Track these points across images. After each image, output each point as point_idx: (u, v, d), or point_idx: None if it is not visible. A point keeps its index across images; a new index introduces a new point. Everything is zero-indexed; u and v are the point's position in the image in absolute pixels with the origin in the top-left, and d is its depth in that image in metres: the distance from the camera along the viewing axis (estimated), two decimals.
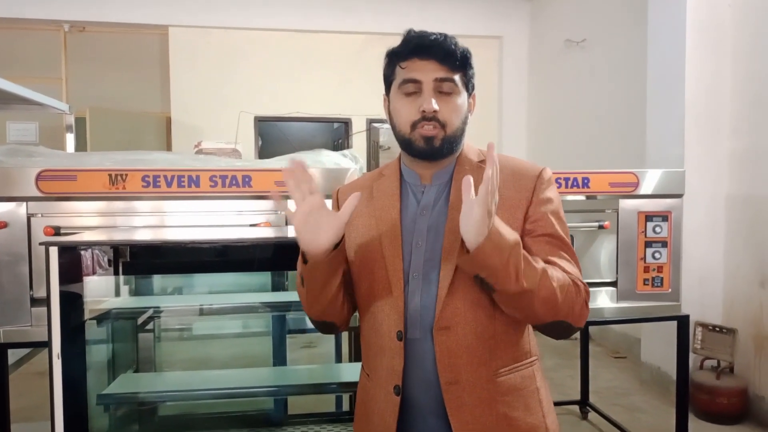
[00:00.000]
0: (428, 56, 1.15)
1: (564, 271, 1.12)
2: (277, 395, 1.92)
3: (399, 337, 1.15)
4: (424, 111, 1.14)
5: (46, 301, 1.51)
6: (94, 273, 1.58)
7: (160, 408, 2.04)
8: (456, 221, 1.06)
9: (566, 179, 2.55)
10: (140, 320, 2.12)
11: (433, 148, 1.16)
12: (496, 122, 6.86)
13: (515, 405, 1.14)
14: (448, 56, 1.16)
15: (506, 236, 1.02)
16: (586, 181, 2.56)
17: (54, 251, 1.51)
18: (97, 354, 1.77)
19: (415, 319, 1.14)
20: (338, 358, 2.72)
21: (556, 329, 1.13)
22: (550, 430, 1.18)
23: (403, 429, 1.17)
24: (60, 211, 2.30)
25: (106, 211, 2.32)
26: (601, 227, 2.61)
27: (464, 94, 1.19)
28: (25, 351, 2.59)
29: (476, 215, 0.98)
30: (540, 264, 1.08)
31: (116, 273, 1.68)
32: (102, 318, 1.79)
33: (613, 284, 2.65)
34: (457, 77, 1.17)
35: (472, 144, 1.27)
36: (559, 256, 1.15)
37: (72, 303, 1.53)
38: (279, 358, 2.03)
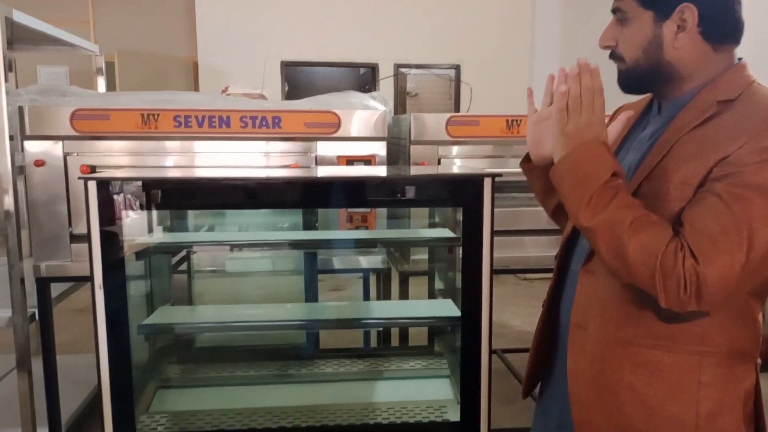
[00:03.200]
0: None
1: (686, 234, 0.91)
2: (309, 329, 1.97)
3: (557, 258, 1.18)
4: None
5: (87, 234, 1.56)
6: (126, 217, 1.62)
7: (196, 340, 2.12)
8: (649, 164, 1.00)
9: None
10: (176, 257, 2.17)
11: (619, 84, 1.09)
12: (528, 56, 6.63)
13: (654, 384, 1.00)
14: None
15: (583, 168, 0.97)
16: None
17: (93, 185, 1.54)
18: (136, 288, 1.82)
19: (582, 252, 1.12)
20: (366, 300, 2.76)
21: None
22: None
23: (552, 345, 1.21)
24: (94, 150, 2.33)
25: (138, 151, 2.35)
26: None
27: (644, 18, 1.02)
28: (64, 287, 2.68)
29: (549, 133, 1.03)
30: (626, 212, 0.93)
31: (151, 208, 1.71)
32: (140, 254, 1.84)
33: None
34: (625, 2, 1.04)
35: (746, 75, 1.03)
36: (701, 222, 0.90)
37: (111, 236, 1.58)
38: (310, 295, 2.08)
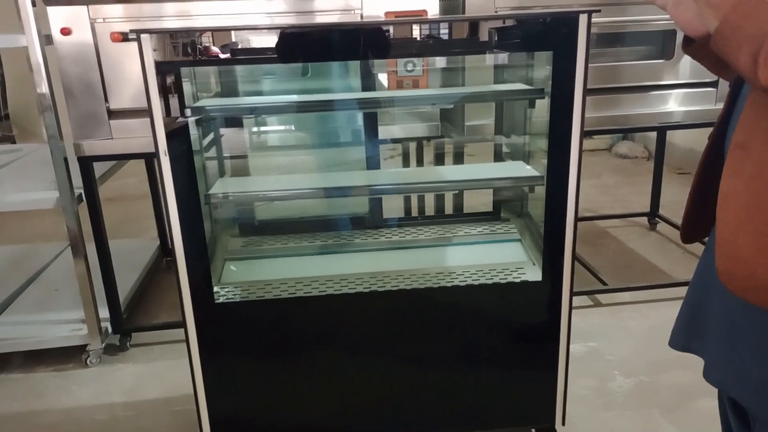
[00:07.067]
0: None
1: None
2: (373, 194, 1.90)
3: (730, 86, 1.11)
4: None
5: (146, 97, 1.42)
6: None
7: (257, 213, 2.05)
8: None
9: None
10: (232, 126, 2.05)
11: None
12: None
13: None
14: None
15: (744, 29, 0.89)
16: None
17: (146, 39, 1.38)
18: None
19: None
20: None
21: None
22: None
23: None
24: (121, 16, 2.14)
25: (165, 15, 2.15)
26: None
27: None
28: (105, 168, 2.59)
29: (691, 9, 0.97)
30: None
31: (206, 63, 1.56)
32: (197, 120, 1.71)
33: (714, 84, 2.47)
34: None
35: None
36: None
37: (169, 99, 1.45)
38: (372, 162, 1.97)
